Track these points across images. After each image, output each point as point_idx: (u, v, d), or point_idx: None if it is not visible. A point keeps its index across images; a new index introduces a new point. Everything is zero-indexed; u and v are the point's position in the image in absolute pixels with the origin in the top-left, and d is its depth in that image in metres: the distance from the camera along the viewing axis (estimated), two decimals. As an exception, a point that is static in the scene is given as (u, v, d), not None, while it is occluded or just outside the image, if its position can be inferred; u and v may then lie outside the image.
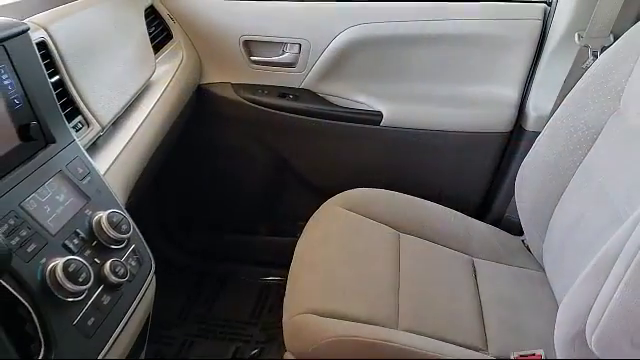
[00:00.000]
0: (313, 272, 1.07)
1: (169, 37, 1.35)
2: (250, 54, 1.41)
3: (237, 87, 1.43)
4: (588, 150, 1.06)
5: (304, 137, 1.44)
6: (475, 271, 1.17)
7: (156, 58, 1.23)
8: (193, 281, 1.59)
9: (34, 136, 0.71)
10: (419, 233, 1.22)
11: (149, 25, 1.26)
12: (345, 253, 1.11)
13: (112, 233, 0.72)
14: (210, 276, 1.61)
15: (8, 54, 0.70)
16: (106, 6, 1.08)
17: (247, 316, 1.48)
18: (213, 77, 1.43)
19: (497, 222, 1.37)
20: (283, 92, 1.42)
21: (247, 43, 1.39)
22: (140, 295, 0.73)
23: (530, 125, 1.30)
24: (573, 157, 1.07)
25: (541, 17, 1.25)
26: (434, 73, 1.36)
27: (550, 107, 1.24)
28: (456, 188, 1.42)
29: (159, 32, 1.32)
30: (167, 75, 1.25)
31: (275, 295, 1.53)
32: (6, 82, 0.69)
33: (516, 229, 1.29)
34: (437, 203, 1.30)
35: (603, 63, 1.03)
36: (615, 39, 1.05)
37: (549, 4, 1.25)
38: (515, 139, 1.34)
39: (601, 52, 1.12)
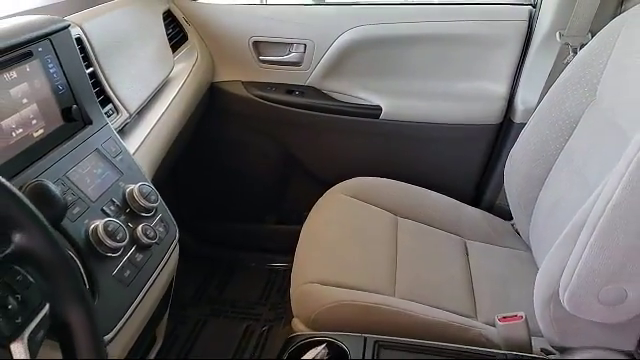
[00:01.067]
0: (317, 249, 1.16)
1: (185, 38, 1.46)
2: (259, 54, 1.51)
3: (247, 85, 1.53)
4: (569, 137, 1.15)
5: (309, 131, 1.54)
6: (467, 251, 1.27)
7: (173, 57, 1.34)
8: (205, 268, 1.68)
9: (75, 117, 0.82)
10: (415, 217, 1.32)
11: (166, 27, 1.36)
12: (347, 233, 1.20)
13: (143, 202, 0.82)
14: (221, 263, 1.70)
15: (53, 47, 0.81)
16: (129, 9, 1.19)
17: (256, 298, 1.57)
18: (225, 75, 1.53)
19: (489, 209, 1.46)
20: (290, 89, 1.52)
21: (256, 44, 1.50)
22: (167, 256, 0.84)
23: (518, 117, 1.39)
24: (556, 144, 1.17)
25: (527, 18, 1.35)
26: (429, 70, 1.46)
27: (536, 100, 1.33)
28: (450, 177, 1.51)
29: (175, 34, 1.42)
30: (183, 73, 1.35)
31: (281, 279, 1.62)
32: (52, 70, 0.80)
33: (507, 215, 1.37)
34: (432, 190, 1.40)
35: (581, 59, 1.12)
36: (593, 37, 1.15)
37: (534, 6, 1.35)
38: (505, 131, 1.44)
39: (580, 49, 1.22)
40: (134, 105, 1.04)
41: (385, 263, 1.14)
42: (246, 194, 1.71)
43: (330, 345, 0.90)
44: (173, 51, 1.36)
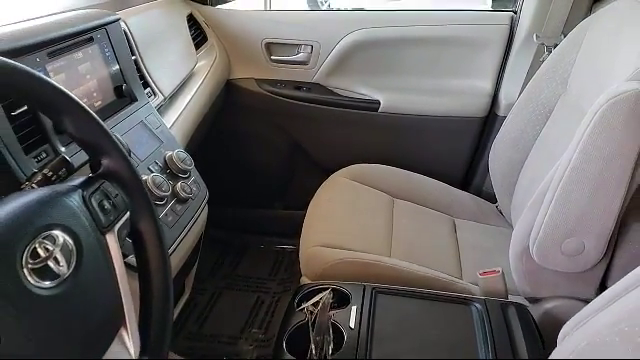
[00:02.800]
0: (322, 220, 1.31)
1: (205, 39, 1.62)
2: (270, 54, 1.68)
3: (259, 81, 1.69)
4: (544, 125, 1.31)
5: (315, 123, 1.70)
6: (455, 227, 1.42)
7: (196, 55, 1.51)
8: (219, 249, 1.83)
9: (125, 94, 0.99)
10: (410, 199, 1.47)
11: (189, 29, 1.53)
12: (348, 209, 1.36)
13: (180, 165, 0.99)
14: (233, 245, 1.85)
15: (108, 35, 0.98)
16: (159, 11, 1.36)
17: (266, 274, 1.72)
18: (239, 73, 1.70)
19: (477, 193, 1.61)
20: (298, 85, 1.68)
21: (268, 45, 1.67)
22: (199, 210, 1.00)
23: (502, 111, 1.56)
24: (533, 132, 1.32)
25: (508, 23, 1.53)
26: (422, 69, 1.62)
27: (517, 95, 1.49)
28: (442, 164, 1.66)
29: (197, 35, 1.59)
30: (204, 69, 1.52)
31: (288, 259, 1.78)
32: (107, 54, 0.97)
33: (493, 199, 1.52)
34: (426, 176, 1.55)
35: (554, 57, 1.29)
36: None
37: (515, 12, 1.53)
38: (490, 123, 1.60)
39: (554, 48, 1.39)
40: (167, 90, 1.20)
41: (382, 232, 1.29)
42: (256, 182, 1.86)
43: (334, 291, 1.05)
44: (195, 50, 1.53)
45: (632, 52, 0.97)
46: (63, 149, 0.79)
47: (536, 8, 1.43)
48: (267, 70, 1.69)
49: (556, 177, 0.98)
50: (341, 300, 1.04)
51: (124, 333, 0.57)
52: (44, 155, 0.76)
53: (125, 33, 1.10)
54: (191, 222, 0.96)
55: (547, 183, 1.02)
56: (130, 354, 0.58)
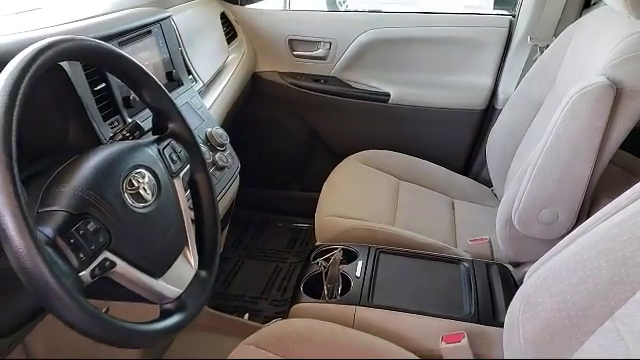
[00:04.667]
0: (336, 195, 1.50)
1: (235, 35, 1.82)
2: (293, 50, 1.87)
3: (282, 74, 1.89)
4: (534, 117, 1.47)
5: (330, 112, 1.89)
6: (454, 207, 1.60)
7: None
8: (241, 225, 2.02)
9: (174, 78, 1.18)
10: (414, 181, 1.64)
11: (222, 26, 1.73)
12: (358, 187, 1.53)
13: (218, 139, 1.18)
14: (254, 222, 2.05)
15: (162, 29, 1.18)
16: (197, 9, 1.56)
17: (283, 247, 1.92)
18: (265, 66, 1.89)
19: (476, 178, 1.77)
20: (317, 78, 1.87)
21: (291, 41, 1.86)
22: (233, 178, 1.19)
23: (500, 104, 1.72)
24: (524, 123, 1.48)
25: (507, 25, 1.70)
26: (429, 65, 1.80)
27: (513, 90, 1.67)
28: (444, 151, 1.83)
29: (228, 32, 1.79)
30: (234, 62, 1.72)
31: (304, 235, 1.97)
32: (161, 45, 1.17)
33: (489, 184, 1.69)
34: (429, 161, 1.73)
35: (545, 56, 1.45)
36: (555, 39, 1.49)
37: (513, 16, 1.70)
38: (489, 115, 1.77)
39: (546, 49, 1.56)
40: (206, 78, 1.40)
41: (387, 207, 1.47)
42: (276, 165, 2.05)
43: (344, 251, 1.24)
44: (227, 44, 1.72)
45: (605, 51, 1.14)
46: (129, 120, 0.99)
47: (531, 13, 1.60)
48: (289, 64, 1.88)
49: (535, 156, 1.16)
50: (349, 258, 1.23)
51: (187, 251, 0.77)
52: (116, 123, 0.96)
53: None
54: (227, 186, 1.15)
55: (528, 162, 1.20)
56: (191, 266, 0.77)
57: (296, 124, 1.95)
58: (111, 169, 0.67)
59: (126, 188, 0.67)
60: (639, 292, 0.70)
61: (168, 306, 0.71)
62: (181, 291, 0.72)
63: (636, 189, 0.74)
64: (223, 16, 1.79)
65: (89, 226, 0.61)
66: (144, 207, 0.69)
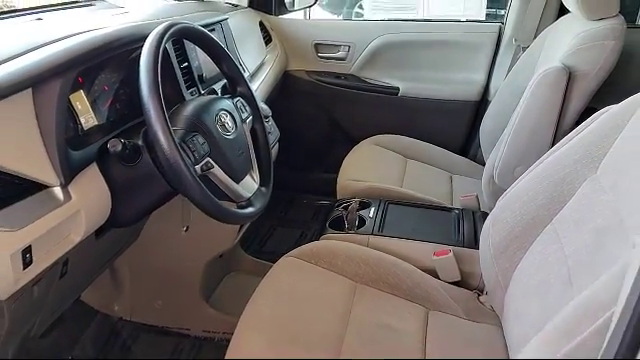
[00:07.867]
0: (354, 167, 1.83)
1: (270, 40, 2.18)
2: (318, 52, 2.23)
3: (309, 72, 2.25)
4: (516, 104, 1.80)
5: (349, 104, 2.23)
6: (451, 179, 1.92)
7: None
8: (270, 203, 2.34)
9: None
10: (419, 160, 1.98)
11: (260, 31, 2.10)
12: (372, 162, 1.86)
13: (264, 112, 1.52)
14: (279, 200, 2.37)
15: (222, 28, 1.54)
16: (242, 17, 1.93)
17: (309, 219, 2.25)
18: (294, 66, 2.25)
19: (472, 159, 2.10)
20: (338, 75, 2.23)
21: (316, 45, 2.22)
22: (274, 143, 1.54)
23: (491, 96, 2.04)
24: (511, 107, 1.77)
25: (497, 31, 2.05)
26: (432, 64, 2.15)
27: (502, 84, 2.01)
28: (445, 136, 2.14)
29: (265, 36, 2.15)
30: (270, 61, 2.07)
31: (325, 211, 2.29)
32: (221, 40, 1.52)
33: (483, 163, 2.00)
34: (433, 144, 2.06)
35: (526, 54, 1.79)
36: (534, 40, 1.83)
37: (502, 23, 2.05)
38: (483, 105, 2.10)
39: (527, 49, 1.89)
40: (251, 69, 1.76)
41: (396, 175, 1.80)
42: (301, 149, 2.37)
43: (360, 203, 1.57)
44: (265, 46, 2.09)
45: (565, 46, 1.48)
46: (203, 92, 1.34)
47: (515, 20, 1.95)
48: (315, 64, 2.25)
49: (512, 122, 1.48)
50: (364, 208, 1.56)
51: (252, 172, 1.12)
52: (195, 92, 1.31)
53: (227, 30, 1.67)
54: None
55: (506, 132, 1.53)
56: (255, 182, 1.12)
57: (320, 114, 2.30)
58: (207, 107, 1.02)
59: (217, 120, 1.02)
60: (569, 202, 1.02)
61: (243, 203, 1.05)
62: (250, 194, 1.07)
63: (570, 137, 1.06)
64: (261, 24, 2.16)
65: (198, 139, 0.95)
66: (228, 135, 1.04)
